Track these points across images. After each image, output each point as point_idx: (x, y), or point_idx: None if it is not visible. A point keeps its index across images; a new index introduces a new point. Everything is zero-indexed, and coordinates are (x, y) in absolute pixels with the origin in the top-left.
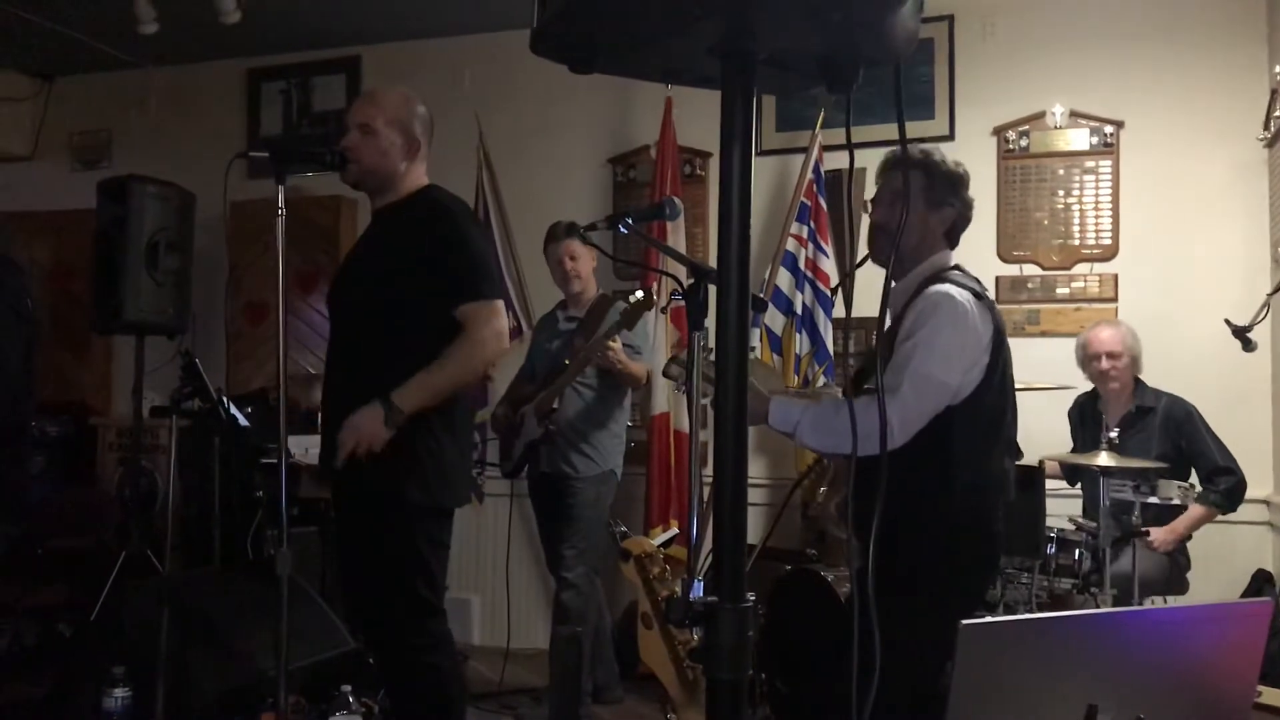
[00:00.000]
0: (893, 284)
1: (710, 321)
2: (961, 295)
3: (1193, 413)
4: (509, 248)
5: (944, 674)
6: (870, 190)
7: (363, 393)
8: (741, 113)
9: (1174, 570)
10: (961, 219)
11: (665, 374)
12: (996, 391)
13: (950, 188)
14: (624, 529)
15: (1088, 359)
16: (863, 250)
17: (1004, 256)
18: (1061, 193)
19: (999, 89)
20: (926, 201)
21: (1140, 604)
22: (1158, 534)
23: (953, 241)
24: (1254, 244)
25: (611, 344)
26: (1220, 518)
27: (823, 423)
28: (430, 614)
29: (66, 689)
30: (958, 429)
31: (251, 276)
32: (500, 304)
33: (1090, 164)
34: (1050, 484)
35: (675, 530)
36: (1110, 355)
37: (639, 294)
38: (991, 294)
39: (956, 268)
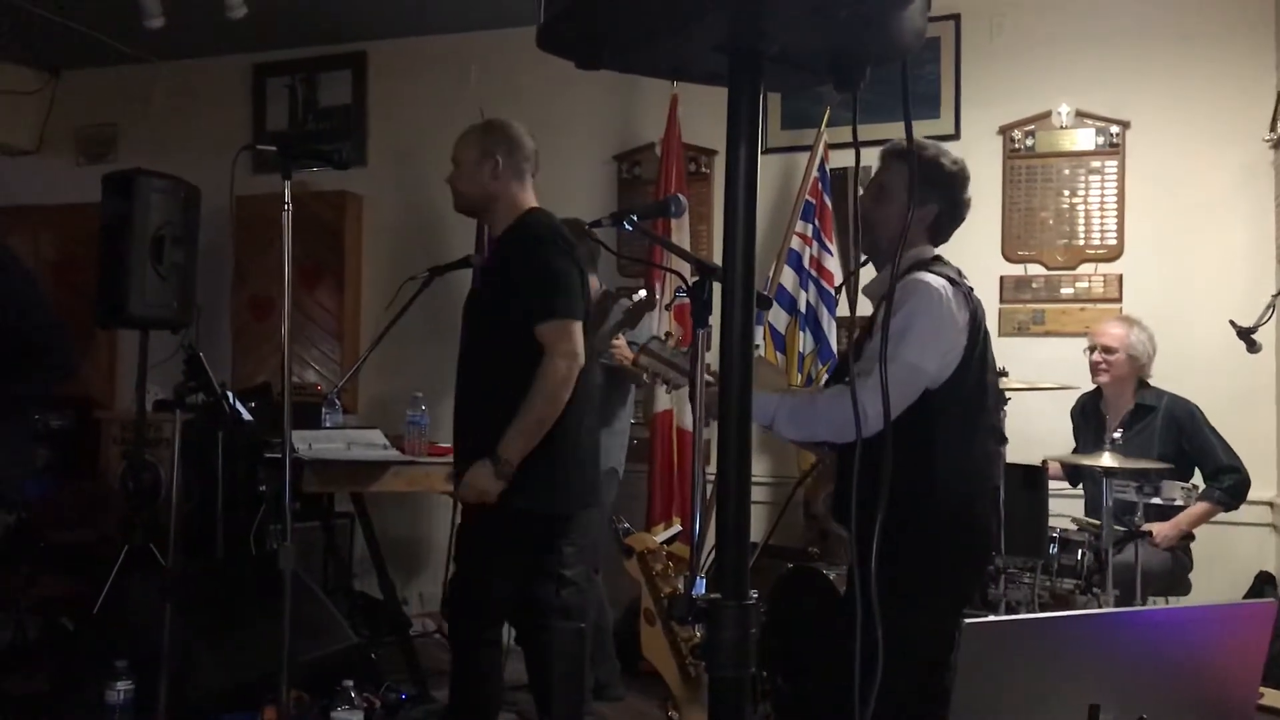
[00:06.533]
0: (875, 274)
1: (715, 319)
2: (936, 281)
3: (1195, 412)
4: None
5: (939, 671)
6: None
7: (470, 411)
8: (748, 110)
9: (1177, 571)
10: (947, 216)
11: (634, 363)
12: (975, 376)
13: (933, 185)
14: (627, 525)
15: (1088, 347)
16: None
17: (1009, 256)
18: (1067, 193)
19: (1005, 88)
20: (908, 195)
21: (1143, 604)
22: (1159, 528)
23: (936, 237)
24: (1259, 245)
25: (616, 342)
26: (1223, 519)
27: (799, 413)
28: (555, 611)
29: (69, 682)
30: (938, 416)
31: (256, 271)
32: (573, 324)
33: (1096, 164)
34: (1053, 484)
35: (678, 527)
36: (1105, 349)
37: (641, 293)
38: (995, 294)
39: (936, 259)
